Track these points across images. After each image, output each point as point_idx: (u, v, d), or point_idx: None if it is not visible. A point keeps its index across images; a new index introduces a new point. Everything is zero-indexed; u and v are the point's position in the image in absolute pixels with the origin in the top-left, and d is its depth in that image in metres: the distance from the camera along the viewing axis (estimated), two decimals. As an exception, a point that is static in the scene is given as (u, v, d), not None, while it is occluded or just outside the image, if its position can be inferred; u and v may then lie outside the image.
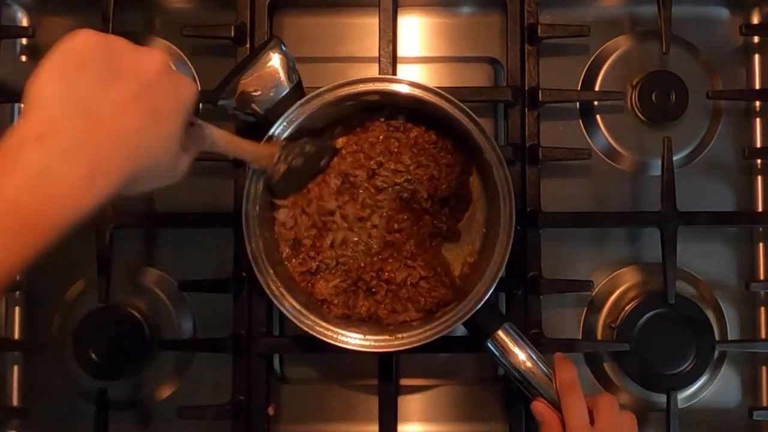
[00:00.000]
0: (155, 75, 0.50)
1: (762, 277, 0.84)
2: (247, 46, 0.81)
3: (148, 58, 0.50)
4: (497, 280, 0.69)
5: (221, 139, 0.64)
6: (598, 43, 0.85)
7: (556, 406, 0.68)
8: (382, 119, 0.76)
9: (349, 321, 0.74)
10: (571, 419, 0.65)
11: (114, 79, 0.48)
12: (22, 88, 0.49)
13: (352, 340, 0.70)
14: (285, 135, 0.71)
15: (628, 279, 0.83)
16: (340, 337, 0.70)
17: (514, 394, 0.79)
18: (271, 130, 0.70)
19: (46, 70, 0.47)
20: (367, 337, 0.70)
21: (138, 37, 0.85)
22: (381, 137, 0.75)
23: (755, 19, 0.86)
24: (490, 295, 0.68)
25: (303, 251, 0.74)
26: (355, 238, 0.74)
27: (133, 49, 0.50)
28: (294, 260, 0.75)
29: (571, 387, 0.67)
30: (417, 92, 0.71)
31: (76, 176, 0.46)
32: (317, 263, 0.74)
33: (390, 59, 0.80)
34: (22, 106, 0.48)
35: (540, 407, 0.68)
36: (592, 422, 0.66)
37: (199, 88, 0.54)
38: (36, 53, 0.87)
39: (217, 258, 0.81)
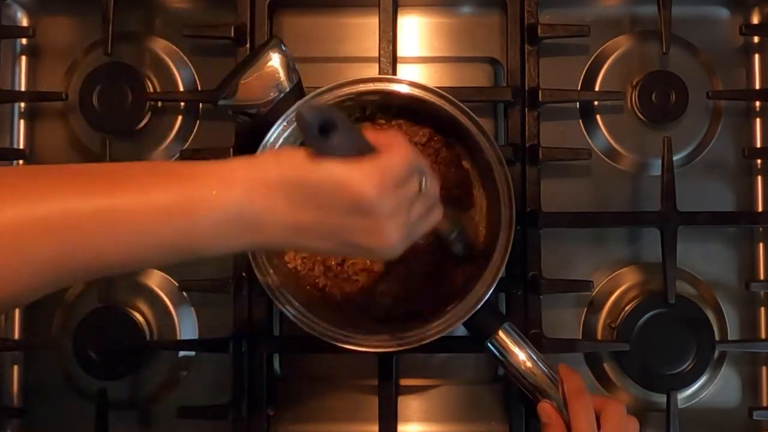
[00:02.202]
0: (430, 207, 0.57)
1: (762, 277, 0.84)
2: (247, 46, 0.81)
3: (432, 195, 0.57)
4: (497, 280, 0.69)
5: None
6: (598, 43, 0.85)
7: (560, 406, 0.68)
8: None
9: (349, 321, 0.74)
10: (580, 426, 0.65)
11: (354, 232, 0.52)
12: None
13: (352, 340, 0.70)
14: (285, 135, 0.71)
15: (628, 279, 0.83)
16: (340, 337, 0.70)
17: (514, 394, 0.79)
18: (271, 130, 0.70)
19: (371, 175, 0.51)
20: (368, 337, 0.70)
21: (138, 37, 0.85)
22: None
23: (755, 19, 0.86)
24: (490, 295, 0.69)
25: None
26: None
27: (386, 221, 0.52)
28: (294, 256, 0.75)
29: (579, 394, 0.67)
30: (417, 92, 0.71)
31: (253, 237, 0.51)
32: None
33: (390, 59, 0.80)
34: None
35: (547, 409, 0.68)
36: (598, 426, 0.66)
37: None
38: (36, 53, 0.87)
39: (217, 258, 0.80)
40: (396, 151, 0.52)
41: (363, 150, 0.51)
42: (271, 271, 0.70)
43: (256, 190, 0.49)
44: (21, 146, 0.86)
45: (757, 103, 0.85)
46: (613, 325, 0.81)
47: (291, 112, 0.70)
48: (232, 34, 0.80)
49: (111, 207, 0.46)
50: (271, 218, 0.49)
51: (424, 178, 0.55)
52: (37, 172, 0.50)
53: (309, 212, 0.50)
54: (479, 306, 0.68)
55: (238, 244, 0.51)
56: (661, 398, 0.79)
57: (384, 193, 0.50)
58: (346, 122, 0.49)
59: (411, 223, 0.54)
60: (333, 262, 0.75)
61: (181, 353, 0.83)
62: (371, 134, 0.53)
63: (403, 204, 0.52)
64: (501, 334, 0.70)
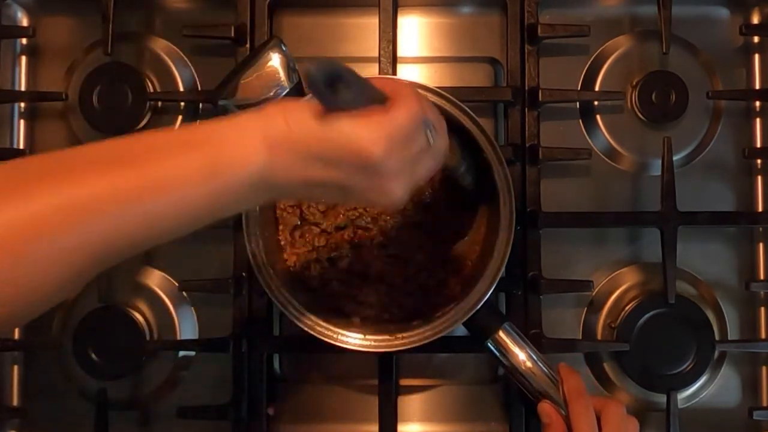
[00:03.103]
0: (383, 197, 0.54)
1: (762, 277, 0.84)
2: (247, 46, 0.81)
3: (394, 189, 0.53)
4: (497, 280, 0.69)
5: None
6: (598, 43, 0.84)
7: (560, 406, 0.68)
8: None
9: (349, 321, 0.74)
10: (581, 427, 0.65)
11: (359, 178, 0.52)
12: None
13: (352, 340, 0.70)
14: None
15: (628, 279, 0.83)
16: (340, 337, 0.70)
17: (514, 394, 0.79)
18: (271, 130, 0.71)
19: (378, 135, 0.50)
20: (367, 337, 0.70)
21: (138, 37, 0.85)
22: None
23: (755, 19, 0.86)
24: (490, 295, 0.69)
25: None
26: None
27: (393, 179, 0.52)
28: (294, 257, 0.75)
29: (579, 395, 0.67)
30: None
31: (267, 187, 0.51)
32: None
33: (390, 59, 0.80)
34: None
35: (547, 408, 0.68)
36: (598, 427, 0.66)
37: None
38: (36, 53, 0.87)
39: (217, 258, 0.81)
40: (404, 107, 0.51)
41: (372, 99, 0.51)
42: (271, 271, 0.70)
43: (275, 149, 0.49)
44: (21, 146, 0.86)
45: (757, 103, 0.85)
46: (613, 325, 0.81)
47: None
48: (232, 34, 0.80)
49: (138, 184, 0.46)
50: (285, 175, 0.50)
51: (430, 133, 0.54)
52: (55, 159, 0.49)
53: (318, 170, 0.50)
54: (479, 306, 0.68)
55: (258, 201, 0.57)
56: (661, 398, 0.79)
57: (390, 154, 0.50)
58: (353, 74, 0.48)
59: (415, 178, 0.55)
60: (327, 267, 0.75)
61: (181, 353, 0.83)
62: (379, 82, 0.52)
63: (407, 162, 0.53)
64: (501, 334, 0.70)
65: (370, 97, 0.51)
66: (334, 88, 0.47)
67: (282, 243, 0.76)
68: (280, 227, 0.76)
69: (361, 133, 0.49)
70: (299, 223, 0.75)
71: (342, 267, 0.75)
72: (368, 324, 0.74)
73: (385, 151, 0.50)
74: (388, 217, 0.75)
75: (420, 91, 0.70)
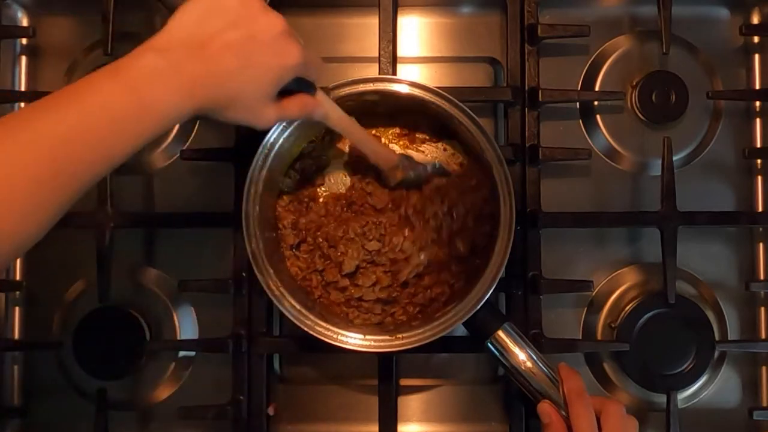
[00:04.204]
0: (266, 35, 0.60)
1: (762, 277, 0.84)
2: (247, 46, 0.81)
3: (267, 21, 0.60)
4: (497, 280, 0.69)
5: (340, 121, 0.70)
6: (598, 43, 0.85)
7: (560, 407, 0.68)
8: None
9: (349, 321, 0.74)
10: (581, 427, 0.65)
11: (233, 27, 0.58)
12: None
13: (352, 340, 0.70)
14: (285, 135, 0.71)
15: (628, 279, 0.83)
16: (340, 337, 0.70)
17: (514, 394, 0.79)
18: (271, 130, 0.71)
19: (190, 6, 0.58)
20: (367, 337, 0.70)
21: (138, 37, 0.85)
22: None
23: (755, 19, 0.86)
24: (490, 295, 0.69)
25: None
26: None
27: (261, 10, 0.60)
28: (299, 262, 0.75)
29: (579, 395, 0.67)
30: (417, 92, 0.71)
31: (177, 85, 0.56)
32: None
33: (390, 59, 0.80)
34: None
35: (547, 409, 0.68)
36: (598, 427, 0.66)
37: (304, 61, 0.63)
38: (36, 53, 0.87)
39: (217, 258, 0.81)
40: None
41: None
42: (272, 271, 0.70)
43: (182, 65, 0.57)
44: (21, 146, 0.86)
45: (757, 103, 0.85)
46: (613, 325, 0.81)
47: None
48: (232, 34, 0.80)
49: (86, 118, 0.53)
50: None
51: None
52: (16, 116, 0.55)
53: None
54: (479, 306, 0.68)
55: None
56: (661, 398, 0.79)
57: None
58: None
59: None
60: (332, 279, 0.75)
61: (181, 353, 0.83)
62: None
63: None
64: (501, 334, 0.70)
65: None
66: None
67: (283, 250, 0.75)
68: (282, 243, 0.76)
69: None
70: (297, 242, 0.76)
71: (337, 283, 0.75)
72: (368, 324, 0.74)
73: (190, 13, 0.58)
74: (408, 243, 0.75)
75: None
